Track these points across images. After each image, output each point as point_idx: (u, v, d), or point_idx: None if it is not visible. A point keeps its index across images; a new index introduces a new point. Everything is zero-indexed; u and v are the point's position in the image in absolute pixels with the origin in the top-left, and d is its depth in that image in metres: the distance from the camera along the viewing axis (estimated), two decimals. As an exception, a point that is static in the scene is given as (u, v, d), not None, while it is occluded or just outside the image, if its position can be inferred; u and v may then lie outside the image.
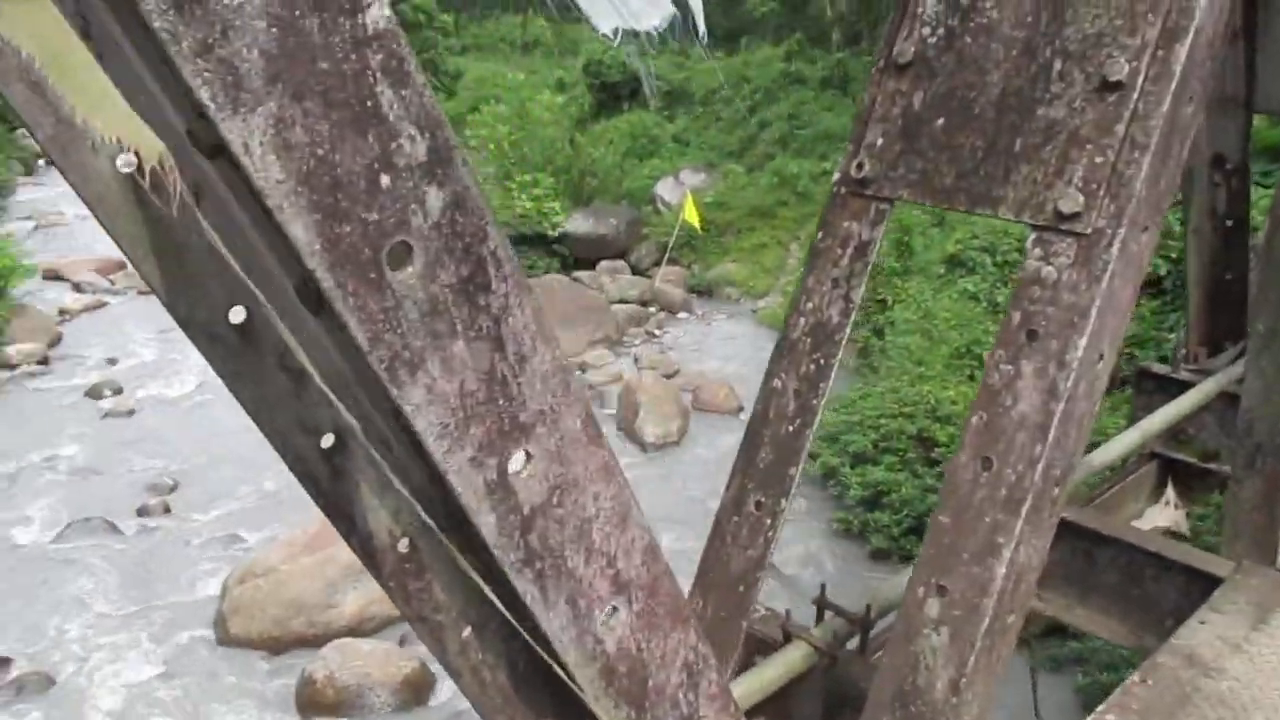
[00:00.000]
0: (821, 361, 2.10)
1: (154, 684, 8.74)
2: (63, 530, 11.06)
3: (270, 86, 0.95)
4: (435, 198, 1.10)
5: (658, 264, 19.46)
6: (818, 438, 11.48)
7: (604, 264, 19.70)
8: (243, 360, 1.27)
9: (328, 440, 1.34)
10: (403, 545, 1.39)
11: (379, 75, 1.03)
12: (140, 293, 19.94)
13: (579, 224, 20.13)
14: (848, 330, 2.06)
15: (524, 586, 1.31)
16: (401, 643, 9.04)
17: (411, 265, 1.10)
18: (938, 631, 1.94)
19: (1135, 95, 1.81)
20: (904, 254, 15.01)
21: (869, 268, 2.06)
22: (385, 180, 1.06)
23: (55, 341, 17.17)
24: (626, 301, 18.16)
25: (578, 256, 20.08)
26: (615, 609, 1.45)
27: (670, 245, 19.24)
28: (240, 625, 9.17)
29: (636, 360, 15.63)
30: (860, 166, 2.08)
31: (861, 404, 11.80)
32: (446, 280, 1.13)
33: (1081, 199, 1.82)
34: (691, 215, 17.32)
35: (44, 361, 16.25)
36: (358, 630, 9.12)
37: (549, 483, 1.30)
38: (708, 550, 2.35)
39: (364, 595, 9.34)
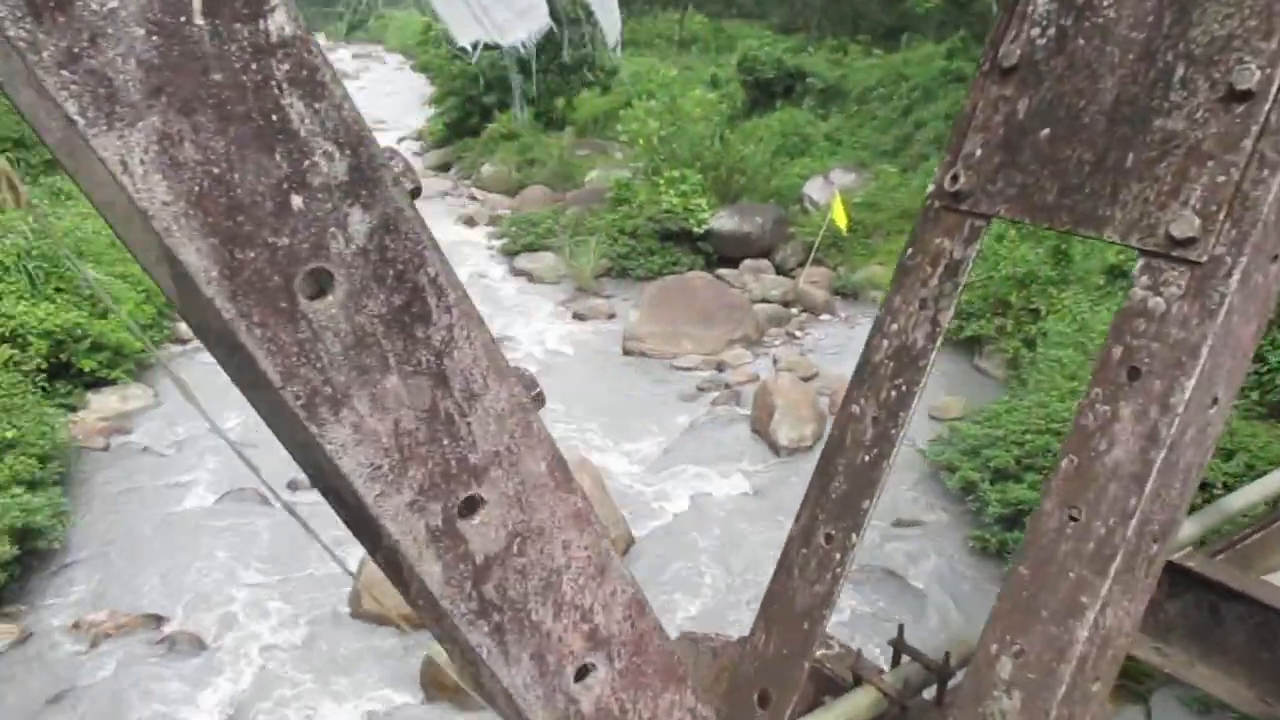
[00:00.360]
0: (904, 388, 1.95)
1: (291, 652, 9.15)
2: (219, 499, 11.70)
3: (152, 100, 0.88)
4: (360, 220, 1.02)
5: (802, 264, 19.18)
6: (959, 450, 11.14)
7: (748, 263, 19.55)
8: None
9: None
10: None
11: (286, 87, 0.95)
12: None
13: (725, 221, 20.03)
14: (933, 355, 1.91)
15: (478, 639, 1.24)
16: (524, 630, 9.20)
17: (332, 294, 1.02)
18: (1009, 695, 1.78)
19: (1267, 106, 1.59)
20: (1061, 262, 14.34)
21: (959, 289, 1.90)
22: (297, 202, 0.97)
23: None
24: (769, 301, 17.97)
25: (722, 254, 19.99)
26: (592, 666, 1.36)
27: (816, 246, 18.94)
28: (371, 602, 9.48)
29: (775, 361, 15.45)
30: (955, 179, 1.91)
31: (1006, 418, 11.32)
32: (376, 310, 1.05)
33: (1198, 222, 1.61)
34: (839, 216, 17.01)
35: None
36: (483, 615, 9.31)
37: (507, 530, 1.22)
38: (773, 583, 2.22)
39: (490, 581, 9.54)
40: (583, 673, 1.35)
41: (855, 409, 2.02)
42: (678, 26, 45.21)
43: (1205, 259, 1.61)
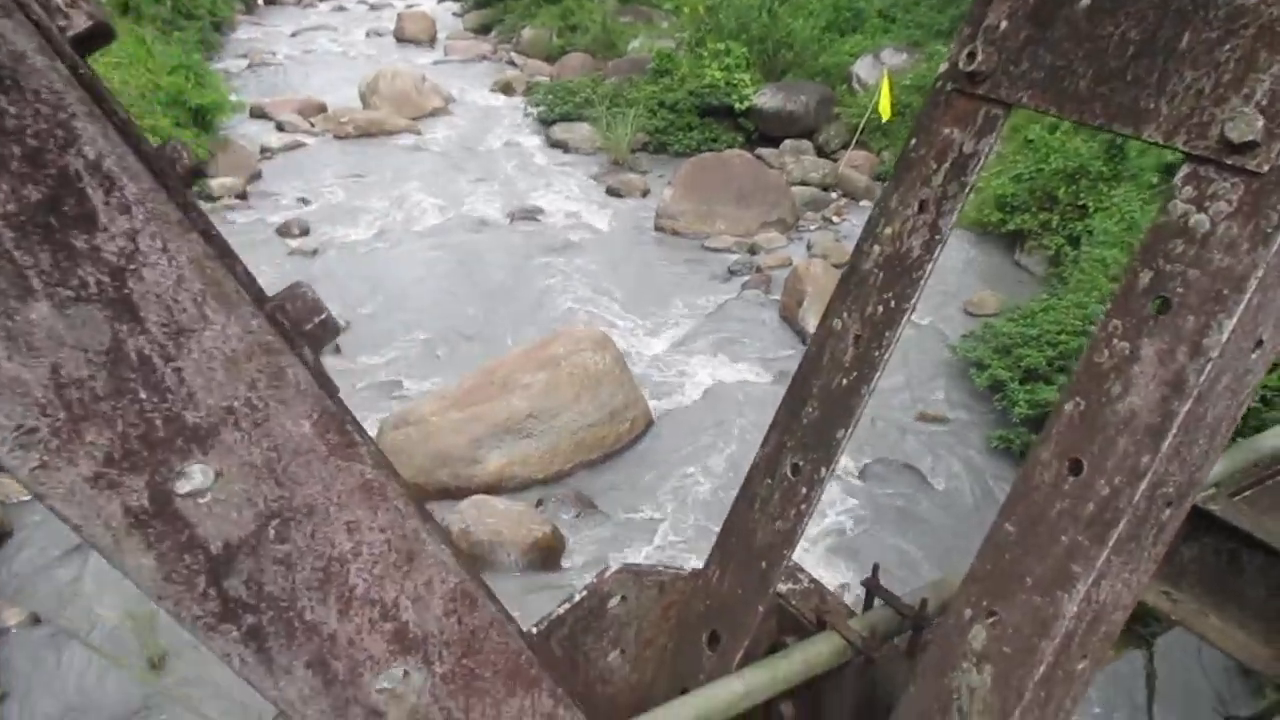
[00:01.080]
0: (893, 303, 1.65)
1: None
2: None
3: None
4: None
5: (845, 147, 18.56)
6: (991, 347, 10.85)
7: (789, 143, 18.95)
8: None
9: None
10: None
11: None
12: (336, 137, 20.61)
13: (768, 99, 19.34)
14: (930, 268, 1.62)
15: (226, 648, 0.98)
16: (538, 505, 9.22)
17: None
18: (979, 668, 1.53)
19: None
20: (1115, 157, 13.72)
21: (967, 190, 1.58)
22: None
23: (254, 178, 18.00)
24: (807, 184, 17.46)
25: (763, 133, 19.38)
26: (405, 673, 1.11)
27: (861, 128, 18.28)
28: (389, 469, 9.54)
29: (809, 247, 15.09)
30: (972, 56, 1.56)
31: (1042, 317, 11.01)
32: None
33: (1261, 123, 1.27)
34: (884, 103, 16.32)
35: (242, 196, 17.08)
36: (497, 488, 9.35)
37: (256, 509, 0.95)
38: (731, 513, 1.97)
39: (506, 455, 9.54)
40: (391, 680, 1.11)
41: (836, 323, 1.76)
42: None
43: (1266, 169, 1.28)
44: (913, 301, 1.65)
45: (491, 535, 8.45)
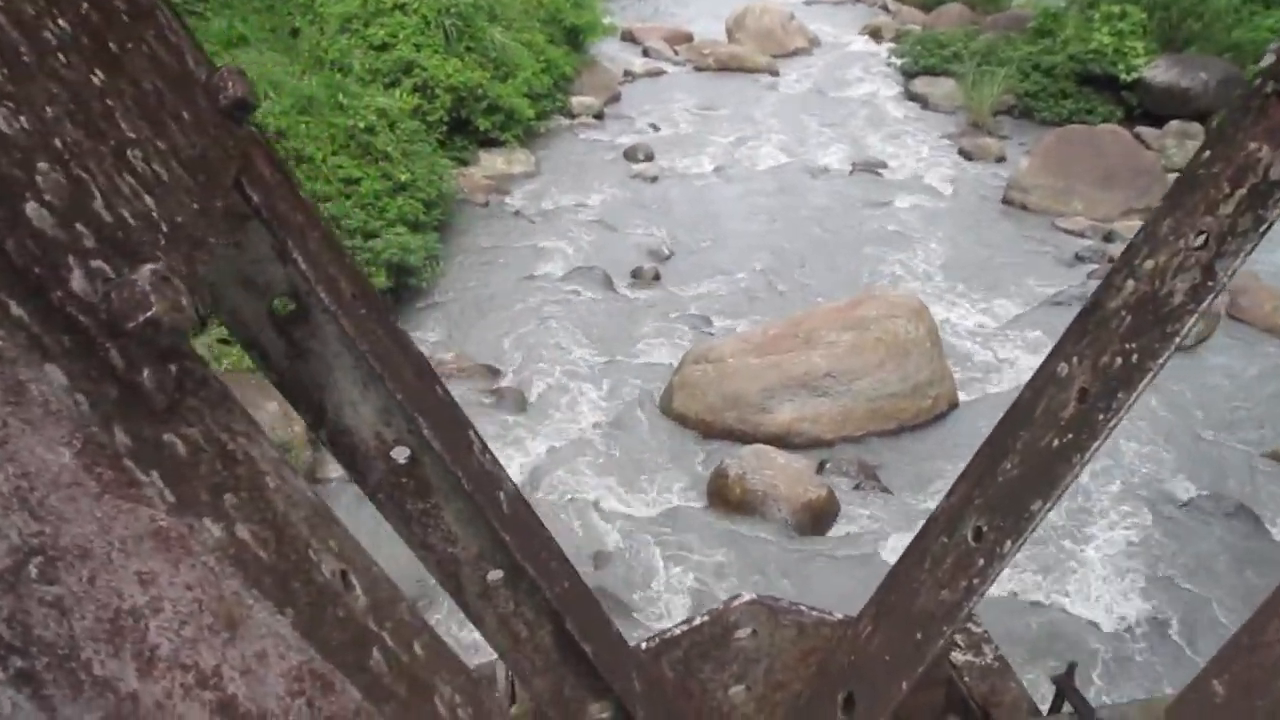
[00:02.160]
0: (1136, 357, 1.33)
1: (601, 428, 9.63)
2: (569, 272, 12.31)
3: None
4: None
5: (1244, 135, 16.38)
6: None
7: (1175, 124, 16.96)
8: None
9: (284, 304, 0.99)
10: (398, 454, 1.10)
11: None
12: (696, 68, 20.91)
13: (1160, 72, 17.40)
14: (1192, 320, 1.29)
15: None
16: (821, 467, 9.05)
17: None
18: None
19: None
20: None
21: (1265, 228, 1.24)
22: None
23: (613, 100, 18.68)
24: (1188, 172, 15.63)
25: (1146, 109, 17.48)
26: None
27: (1268, 116, 16.03)
28: (682, 402, 9.71)
29: (1176, 242, 13.54)
30: None
31: None
32: None
33: None
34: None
35: (599, 116, 17.79)
36: (783, 441, 9.25)
37: (10, 542, 0.77)
38: (897, 566, 1.68)
39: (797, 410, 9.41)
40: None
41: (1061, 368, 1.44)
42: None
43: None
44: (1161, 360, 1.31)
45: (767, 487, 8.39)
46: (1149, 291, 1.28)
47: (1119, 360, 1.36)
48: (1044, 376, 1.46)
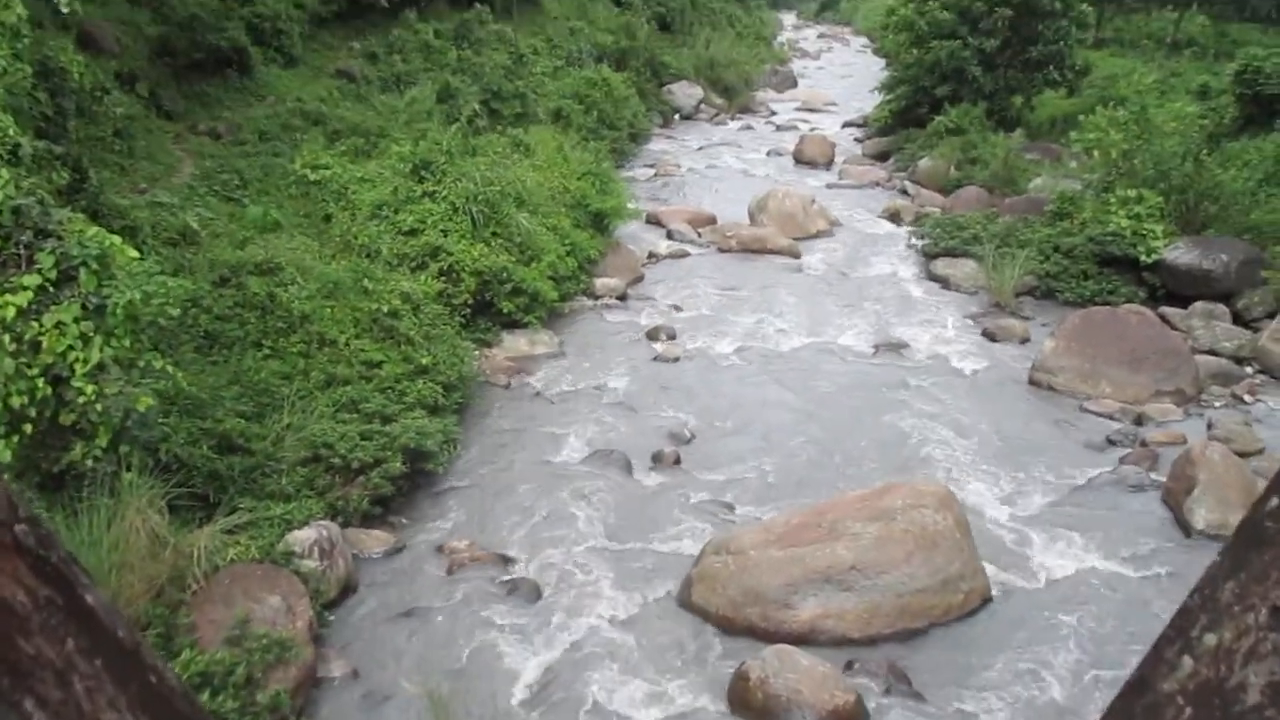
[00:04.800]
0: None
1: (616, 623, 9.24)
2: (588, 456, 12.14)
3: None
4: None
5: (1270, 316, 16.27)
6: None
7: (1199, 305, 16.91)
8: None
9: None
10: None
11: None
12: (720, 250, 21.29)
13: (1180, 254, 17.46)
14: None
15: None
16: (848, 668, 8.57)
17: None
18: None
19: None
20: None
21: None
22: None
23: (636, 280, 18.94)
24: (1216, 354, 15.44)
25: (1170, 290, 17.46)
26: None
27: (1294, 297, 16.00)
28: (702, 595, 9.34)
29: (1210, 425, 13.22)
30: None
31: None
32: None
33: None
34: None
35: (622, 298, 18.00)
36: (807, 639, 8.82)
37: None
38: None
39: (821, 606, 9.01)
40: None
41: None
42: (1172, 27, 40.42)
43: None
44: None
45: (790, 692, 7.92)
46: (1211, 679, 0.98)
47: None
48: None
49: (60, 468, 8.21)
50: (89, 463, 8.13)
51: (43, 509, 8.06)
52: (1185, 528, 10.71)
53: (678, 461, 12.15)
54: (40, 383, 7.88)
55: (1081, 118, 22.47)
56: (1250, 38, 35.71)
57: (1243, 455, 12.06)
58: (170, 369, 8.90)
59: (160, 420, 8.95)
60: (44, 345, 7.93)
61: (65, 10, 10.51)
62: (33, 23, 11.25)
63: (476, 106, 23.15)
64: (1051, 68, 30.08)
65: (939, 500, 9.81)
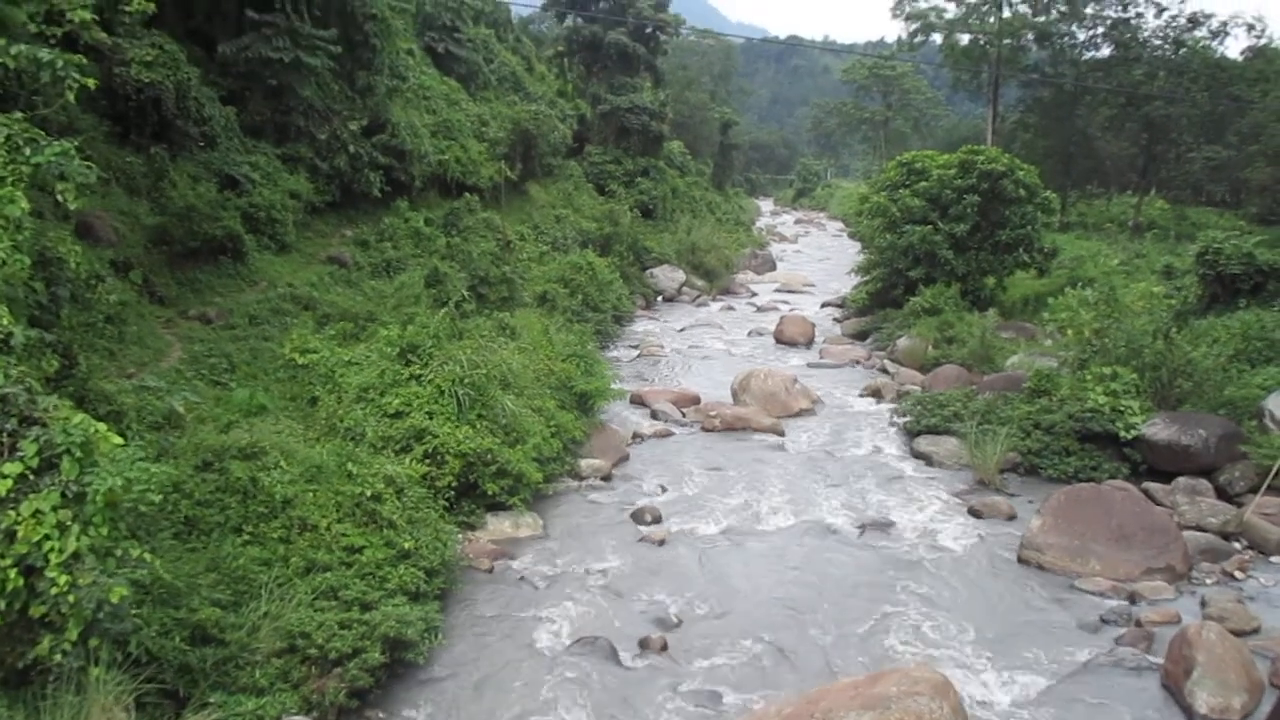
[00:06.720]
0: None
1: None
2: (573, 643, 11.82)
3: None
4: None
5: (1254, 491, 16.34)
6: None
7: (1182, 480, 17.00)
8: None
9: None
10: None
11: None
12: (704, 429, 21.40)
13: (1159, 430, 17.67)
14: None
15: None
16: None
17: None
18: None
19: None
20: None
21: None
22: None
23: (621, 460, 18.94)
24: (1203, 529, 15.40)
25: (1151, 465, 17.59)
26: None
27: (1275, 472, 16.10)
28: (691, 792, 8.92)
29: (1203, 604, 13.05)
30: None
31: None
32: None
33: None
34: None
35: (607, 478, 17.95)
36: (803, 838, 8.39)
37: None
38: None
39: (817, 802, 8.62)
40: None
41: None
42: (1133, 211, 42.23)
43: None
44: None
45: None
46: None
47: None
48: None
49: (25, 663, 7.92)
50: (57, 657, 7.86)
51: (3, 708, 7.75)
52: (1188, 711, 10.41)
53: (664, 648, 11.84)
54: (13, 574, 7.72)
55: (1051, 298, 23.15)
56: (1208, 220, 37.36)
57: (1239, 634, 11.85)
58: (148, 557, 8.73)
59: (134, 611, 8.71)
60: (19, 534, 7.80)
61: (73, 208, 10.83)
62: (34, 214, 11.59)
63: (464, 291, 23.73)
64: (1021, 250, 31.23)
65: (934, 688, 9.54)
